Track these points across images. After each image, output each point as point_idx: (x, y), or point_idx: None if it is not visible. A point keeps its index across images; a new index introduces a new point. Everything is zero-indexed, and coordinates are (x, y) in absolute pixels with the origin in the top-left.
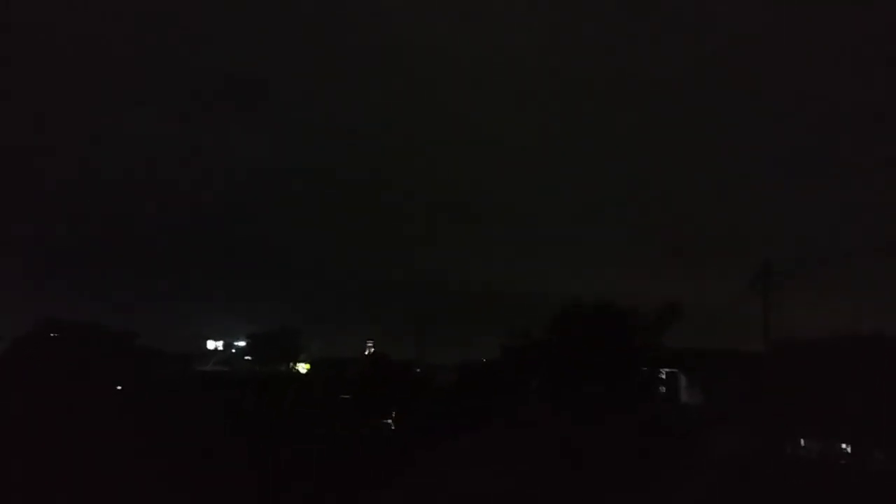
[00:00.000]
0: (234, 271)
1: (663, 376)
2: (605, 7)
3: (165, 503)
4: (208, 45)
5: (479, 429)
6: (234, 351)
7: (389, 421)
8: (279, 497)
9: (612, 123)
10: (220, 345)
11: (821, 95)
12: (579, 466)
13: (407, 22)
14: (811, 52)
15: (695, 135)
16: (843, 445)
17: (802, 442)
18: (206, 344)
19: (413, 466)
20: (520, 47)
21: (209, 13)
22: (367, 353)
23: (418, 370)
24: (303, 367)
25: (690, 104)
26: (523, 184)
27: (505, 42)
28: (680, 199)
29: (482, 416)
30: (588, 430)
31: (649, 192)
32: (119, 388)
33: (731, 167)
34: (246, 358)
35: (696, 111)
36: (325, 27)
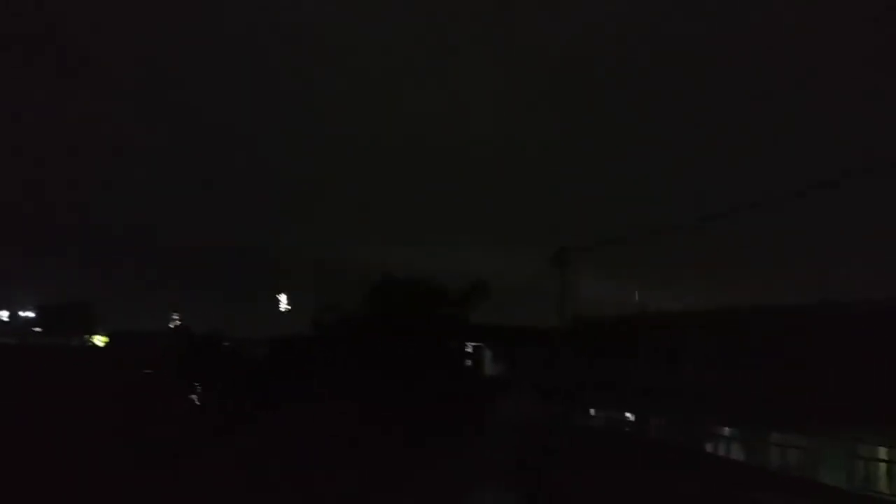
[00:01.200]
0: (25, 238)
1: (470, 350)
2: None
3: None
4: None
5: (287, 403)
6: (20, 322)
7: (194, 396)
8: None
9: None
10: (4, 315)
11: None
12: (387, 435)
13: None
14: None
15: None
16: (627, 414)
17: (592, 411)
18: None
19: (218, 441)
20: None
21: None
22: (172, 325)
23: (226, 344)
24: (100, 340)
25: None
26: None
27: None
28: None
29: (291, 391)
30: (397, 401)
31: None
32: None
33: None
34: (35, 330)
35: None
36: None
